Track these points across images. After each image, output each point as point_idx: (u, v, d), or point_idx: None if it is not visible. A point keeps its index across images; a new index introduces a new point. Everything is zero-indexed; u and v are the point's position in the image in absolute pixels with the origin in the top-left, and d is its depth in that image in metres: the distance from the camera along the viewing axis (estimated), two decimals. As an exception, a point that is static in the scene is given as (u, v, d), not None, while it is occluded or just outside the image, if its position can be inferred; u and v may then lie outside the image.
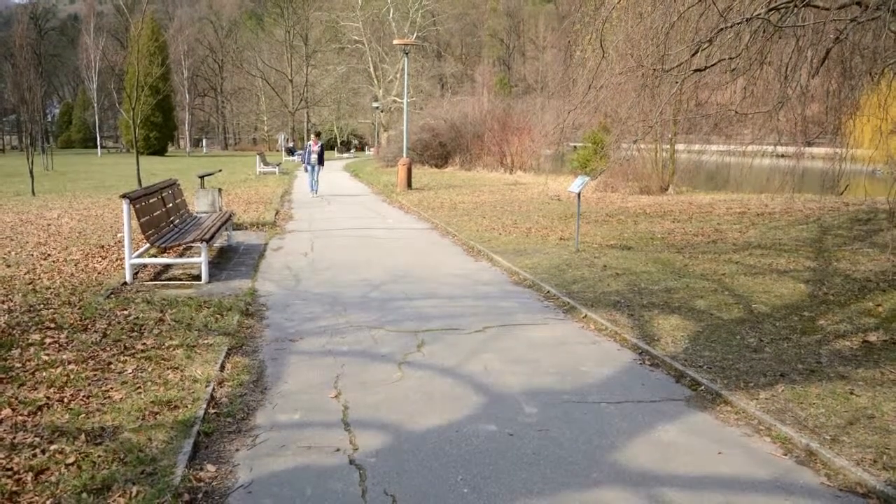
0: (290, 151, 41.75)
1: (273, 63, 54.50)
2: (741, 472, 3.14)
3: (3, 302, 5.88)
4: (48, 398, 3.77)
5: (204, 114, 70.71)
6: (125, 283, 6.83)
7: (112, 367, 4.32)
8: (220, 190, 11.13)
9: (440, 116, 30.83)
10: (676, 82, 7.26)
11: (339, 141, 57.09)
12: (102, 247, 8.84)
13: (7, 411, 3.58)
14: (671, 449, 3.38)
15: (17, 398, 3.76)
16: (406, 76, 20.15)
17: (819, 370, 4.33)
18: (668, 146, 17.86)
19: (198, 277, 7.13)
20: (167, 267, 7.74)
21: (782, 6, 6.46)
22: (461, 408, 3.87)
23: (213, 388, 4.00)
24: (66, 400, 3.78)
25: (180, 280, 7.13)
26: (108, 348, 4.66)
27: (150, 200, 7.58)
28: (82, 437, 3.28)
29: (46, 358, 4.41)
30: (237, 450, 3.33)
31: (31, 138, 24.61)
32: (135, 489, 2.82)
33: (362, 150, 58.16)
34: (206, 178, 12.87)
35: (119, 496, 2.78)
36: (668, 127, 14.23)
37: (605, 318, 5.60)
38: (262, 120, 62.65)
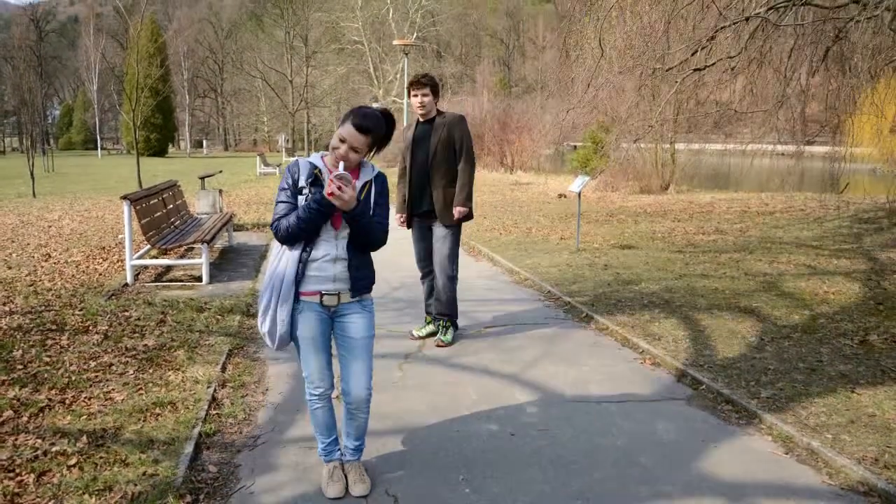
0: (292, 152, 41.76)
1: (273, 64, 54.48)
2: (742, 472, 3.14)
3: (4, 304, 5.89)
4: (50, 400, 3.78)
5: (204, 115, 70.72)
6: (126, 285, 6.84)
7: (113, 368, 4.33)
8: (220, 191, 11.14)
9: (440, 117, 30.80)
10: (676, 81, 7.27)
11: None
12: (103, 248, 8.85)
13: (9, 413, 3.59)
14: (671, 448, 3.38)
15: (18, 400, 3.76)
16: (406, 77, 20.15)
17: (820, 369, 4.33)
18: (669, 145, 17.87)
19: (199, 279, 7.13)
20: (168, 268, 7.74)
21: (781, 5, 6.46)
22: (462, 407, 3.87)
23: (215, 389, 4.01)
24: (67, 401, 3.78)
25: (181, 281, 7.14)
26: (109, 350, 4.67)
27: (151, 202, 7.58)
28: (84, 438, 3.29)
29: (48, 360, 4.42)
30: (239, 450, 3.34)
31: (32, 140, 24.68)
32: (137, 490, 2.83)
33: (362, 150, 58.14)
34: (206, 179, 12.88)
35: (121, 497, 2.78)
36: (668, 126, 14.24)
37: (606, 317, 5.60)
38: (263, 121, 62.67)
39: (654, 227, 10.86)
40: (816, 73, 7.56)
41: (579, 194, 9.08)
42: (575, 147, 21.91)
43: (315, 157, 2.82)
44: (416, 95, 4.71)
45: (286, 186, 2.79)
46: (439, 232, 4.89)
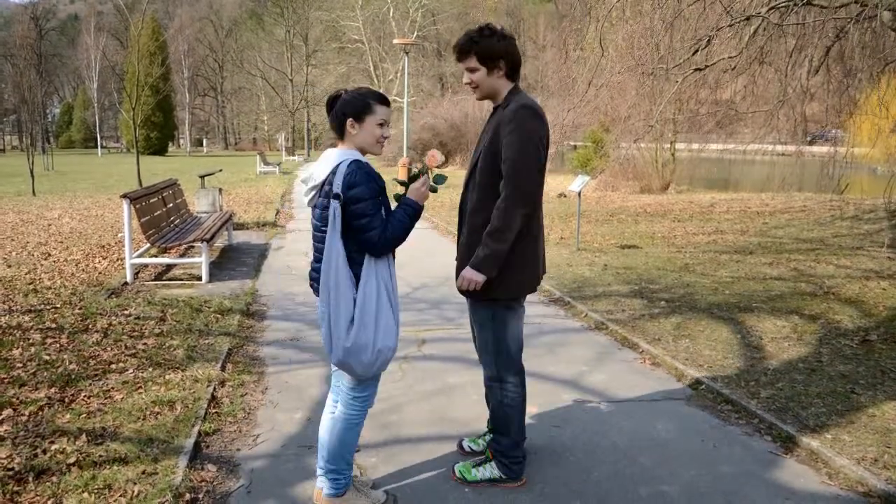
0: (292, 151, 41.81)
1: (273, 63, 54.53)
2: (741, 472, 3.14)
3: (4, 302, 5.89)
4: (49, 398, 3.78)
5: (204, 114, 70.72)
6: (126, 283, 6.84)
7: (113, 367, 4.33)
8: (220, 190, 11.14)
9: (441, 116, 30.81)
10: (677, 81, 7.27)
11: None
12: (103, 247, 8.84)
13: (8, 411, 3.59)
14: (671, 447, 3.38)
15: (18, 398, 3.76)
16: (406, 75, 20.13)
17: (820, 369, 4.33)
18: (669, 145, 17.89)
19: (199, 277, 7.13)
20: (168, 267, 7.74)
21: (782, 5, 6.46)
22: (462, 406, 3.87)
23: (214, 388, 4.01)
24: (67, 400, 3.78)
25: (181, 280, 7.14)
26: (108, 348, 4.67)
27: (151, 200, 7.58)
28: (83, 437, 3.28)
29: (47, 358, 4.42)
30: (238, 449, 3.34)
31: (32, 138, 24.67)
32: (136, 489, 2.83)
33: (362, 149, 58.15)
34: (206, 178, 12.87)
35: (120, 496, 2.78)
36: (669, 126, 14.25)
37: (605, 317, 5.60)
38: (263, 120, 62.73)
39: (654, 227, 10.85)
40: (817, 74, 7.56)
41: (579, 194, 9.08)
42: (575, 146, 21.90)
43: (355, 154, 2.56)
44: (463, 72, 2.86)
45: (376, 195, 2.52)
46: (470, 304, 3.07)
